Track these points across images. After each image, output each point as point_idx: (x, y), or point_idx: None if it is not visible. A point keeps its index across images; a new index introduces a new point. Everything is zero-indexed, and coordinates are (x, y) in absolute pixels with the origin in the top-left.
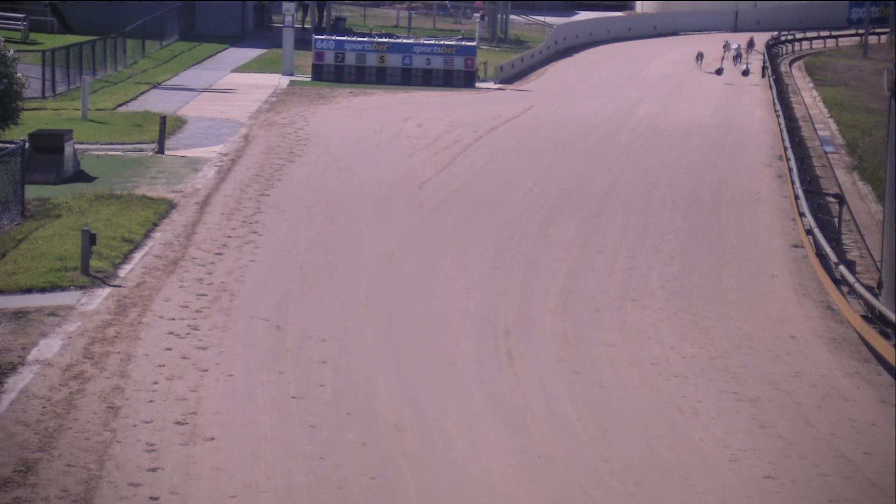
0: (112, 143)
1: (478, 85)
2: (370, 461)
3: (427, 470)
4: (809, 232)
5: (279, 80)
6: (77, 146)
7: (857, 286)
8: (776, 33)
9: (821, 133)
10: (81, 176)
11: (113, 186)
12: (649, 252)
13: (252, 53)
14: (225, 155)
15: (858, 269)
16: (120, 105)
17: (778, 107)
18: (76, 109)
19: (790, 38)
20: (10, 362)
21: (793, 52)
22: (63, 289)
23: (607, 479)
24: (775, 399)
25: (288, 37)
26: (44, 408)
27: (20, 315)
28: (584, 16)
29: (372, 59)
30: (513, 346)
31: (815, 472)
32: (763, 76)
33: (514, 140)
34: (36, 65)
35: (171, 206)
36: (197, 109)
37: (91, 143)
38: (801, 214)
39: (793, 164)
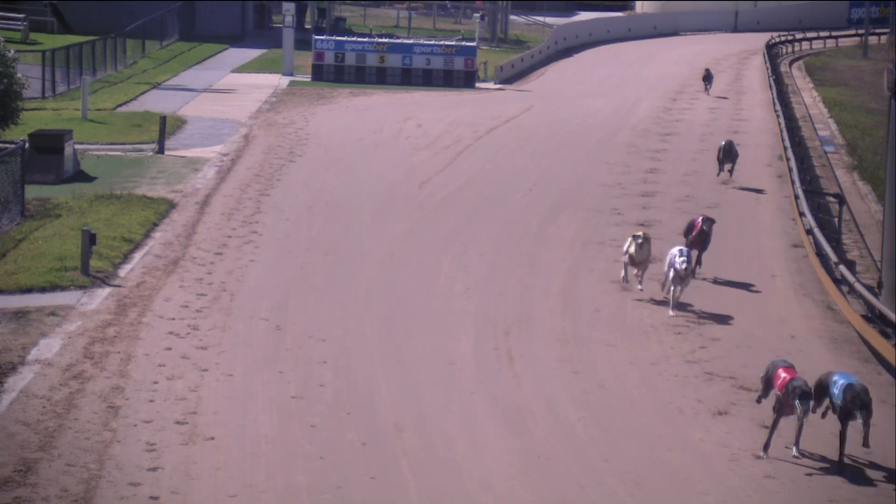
0: (112, 143)
1: (478, 85)
2: (370, 461)
3: (427, 470)
4: (809, 232)
5: (279, 81)
6: (77, 146)
7: (857, 286)
8: (775, 34)
9: (821, 133)
10: (81, 176)
11: (113, 186)
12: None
13: (252, 53)
14: (225, 155)
15: (858, 269)
16: (120, 105)
17: (778, 107)
18: (76, 109)
19: (790, 38)
20: (11, 362)
21: (793, 52)
22: (63, 289)
23: (607, 479)
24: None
25: (288, 37)
26: (44, 407)
27: (20, 315)
28: (584, 16)
29: (372, 60)
30: (513, 346)
31: (815, 472)
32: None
33: (514, 140)
34: (36, 65)
35: (171, 206)
36: (197, 109)
37: (91, 143)
38: (801, 214)
39: (793, 163)
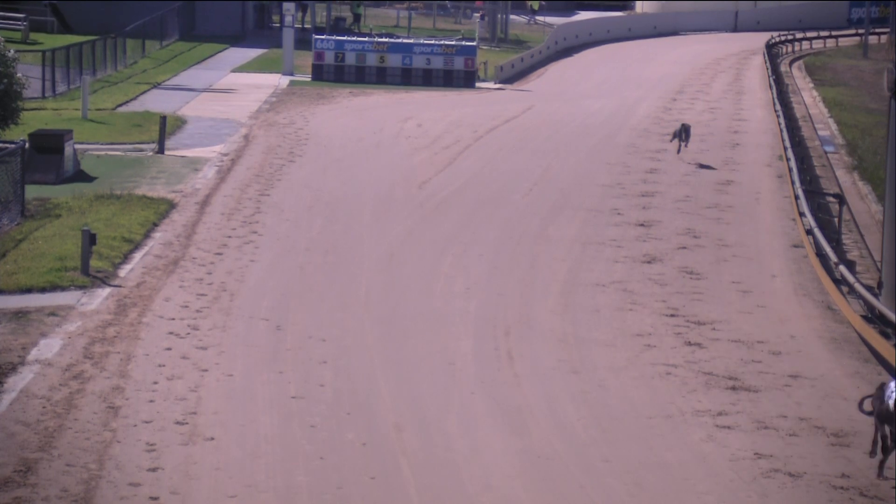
0: (112, 143)
1: (478, 85)
2: (370, 461)
3: (427, 470)
4: (809, 232)
5: (279, 80)
6: (77, 146)
7: (857, 286)
8: (775, 34)
9: (821, 133)
10: (81, 176)
11: (113, 186)
12: (649, 252)
13: (252, 53)
14: (225, 155)
15: (858, 269)
16: (120, 105)
17: (778, 107)
18: (76, 109)
19: (790, 38)
20: (10, 362)
21: (793, 52)
22: (63, 289)
23: (607, 479)
24: (775, 399)
25: (288, 37)
26: (44, 408)
27: (20, 315)
28: (584, 16)
29: (372, 59)
30: (513, 346)
31: (815, 472)
32: None
33: (514, 140)
34: (36, 65)
35: (171, 206)
36: (197, 109)
37: (91, 143)
38: (801, 214)
39: (793, 164)
